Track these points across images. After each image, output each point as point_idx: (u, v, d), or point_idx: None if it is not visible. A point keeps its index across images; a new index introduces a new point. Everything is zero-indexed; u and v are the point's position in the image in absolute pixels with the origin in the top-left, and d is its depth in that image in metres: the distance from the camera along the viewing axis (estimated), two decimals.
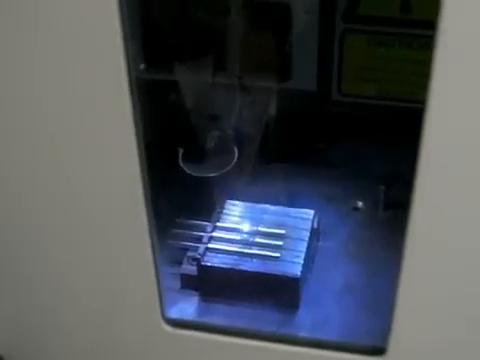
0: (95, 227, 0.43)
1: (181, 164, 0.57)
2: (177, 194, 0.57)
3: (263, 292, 0.52)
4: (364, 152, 0.59)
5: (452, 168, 0.36)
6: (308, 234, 0.55)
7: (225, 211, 0.57)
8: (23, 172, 0.42)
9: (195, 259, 0.54)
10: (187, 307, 0.53)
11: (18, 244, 0.45)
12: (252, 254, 0.53)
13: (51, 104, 0.39)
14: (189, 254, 0.55)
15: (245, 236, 0.55)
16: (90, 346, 0.49)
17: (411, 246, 0.38)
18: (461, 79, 0.33)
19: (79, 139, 0.40)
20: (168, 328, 0.46)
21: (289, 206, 0.57)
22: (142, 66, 0.52)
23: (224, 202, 0.58)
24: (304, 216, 0.56)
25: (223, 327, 0.48)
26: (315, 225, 0.56)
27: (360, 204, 0.59)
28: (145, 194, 0.41)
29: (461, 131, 0.35)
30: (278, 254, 0.53)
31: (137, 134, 0.39)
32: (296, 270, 0.52)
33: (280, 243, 0.54)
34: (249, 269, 0.52)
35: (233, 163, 0.57)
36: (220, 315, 0.52)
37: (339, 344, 0.46)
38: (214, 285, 0.53)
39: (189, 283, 0.54)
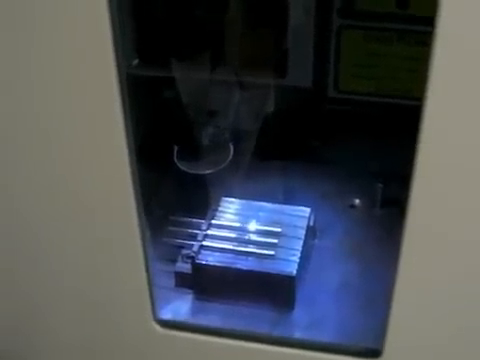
0: (85, 225, 0.43)
1: (176, 161, 0.56)
2: (172, 191, 0.57)
3: (258, 291, 0.52)
4: (361, 149, 0.58)
5: (450, 165, 0.35)
6: (304, 232, 0.54)
7: (220, 208, 0.57)
8: (13, 171, 0.41)
9: (190, 257, 0.53)
10: (181, 305, 0.52)
11: (7, 243, 0.45)
12: (247, 252, 0.53)
13: (40, 100, 0.38)
14: (184, 252, 0.54)
15: (240, 234, 0.54)
16: (82, 345, 0.49)
17: (408, 247, 0.38)
18: (459, 76, 0.33)
19: (68, 136, 0.39)
20: (159, 329, 0.46)
21: (285, 203, 0.57)
22: (135, 62, 0.51)
23: (219, 199, 0.57)
24: (300, 214, 0.56)
25: (216, 328, 0.48)
26: (311, 223, 0.55)
27: (357, 202, 0.59)
28: (135, 192, 0.40)
29: (459, 128, 0.34)
30: (273, 252, 0.53)
31: (127, 131, 0.38)
32: (292, 268, 0.51)
33: (276, 241, 0.54)
34: (244, 267, 0.52)
35: (228, 160, 0.57)
36: (215, 314, 0.51)
37: (335, 346, 0.46)
38: (209, 283, 0.53)
39: (183, 281, 0.53)
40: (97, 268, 0.44)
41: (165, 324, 0.46)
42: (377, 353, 0.43)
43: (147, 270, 0.43)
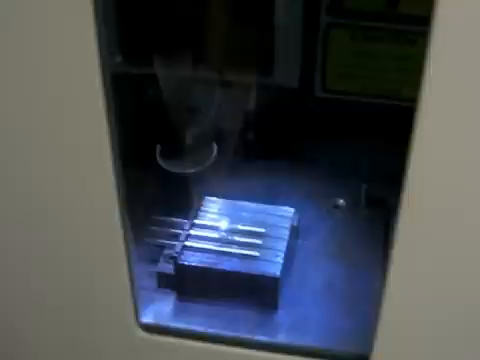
0: (67, 225, 0.42)
1: (158, 160, 0.55)
2: (154, 190, 0.56)
3: (242, 292, 0.51)
4: (346, 150, 0.58)
5: (443, 164, 0.35)
6: (288, 232, 0.54)
7: (203, 208, 0.56)
8: None
9: (172, 257, 0.52)
10: (163, 307, 0.51)
11: None
12: (231, 253, 0.52)
13: (20, 98, 0.37)
14: (166, 252, 0.54)
15: (223, 234, 0.54)
16: (64, 348, 0.48)
17: (398, 249, 0.37)
18: (454, 76, 0.32)
19: (49, 135, 0.38)
20: (143, 333, 0.45)
21: (269, 204, 0.56)
22: (119, 59, 0.51)
23: (202, 199, 0.57)
24: (284, 214, 0.55)
25: (200, 333, 0.47)
26: (295, 223, 0.55)
27: (341, 202, 0.59)
28: (118, 191, 0.39)
29: (453, 128, 0.34)
30: (257, 253, 0.52)
31: (111, 129, 0.37)
32: (275, 270, 0.51)
33: (259, 242, 0.53)
34: (227, 268, 0.51)
35: (212, 159, 0.56)
36: (197, 315, 0.51)
37: (320, 351, 0.45)
38: (191, 284, 0.52)
39: (166, 282, 0.53)
40: (79, 269, 0.44)
41: (148, 328, 0.45)
42: (364, 359, 0.43)
43: (130, 272, 0.42)
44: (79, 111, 0.37)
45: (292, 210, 0.55)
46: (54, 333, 0.48)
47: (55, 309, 0.46)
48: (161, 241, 0.55)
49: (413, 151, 0.35)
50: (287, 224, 0.54)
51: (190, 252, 0.52)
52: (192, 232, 0.54)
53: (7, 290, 0.46)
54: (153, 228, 0.55)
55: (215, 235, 0.54)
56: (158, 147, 0.55)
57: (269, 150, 0.59)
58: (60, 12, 0.34)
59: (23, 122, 0.38)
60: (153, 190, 0.56)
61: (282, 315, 0.51)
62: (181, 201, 0.56)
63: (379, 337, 0.41)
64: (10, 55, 0.36)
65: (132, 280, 0.43)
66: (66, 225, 0.42)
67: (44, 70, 0.36)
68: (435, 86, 0.33)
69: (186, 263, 0.52)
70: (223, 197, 0.57)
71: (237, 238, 0.53)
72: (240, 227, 0.54)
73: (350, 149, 0.58)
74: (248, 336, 0.48)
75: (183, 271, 0.52)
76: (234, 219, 0.55)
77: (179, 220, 0.56)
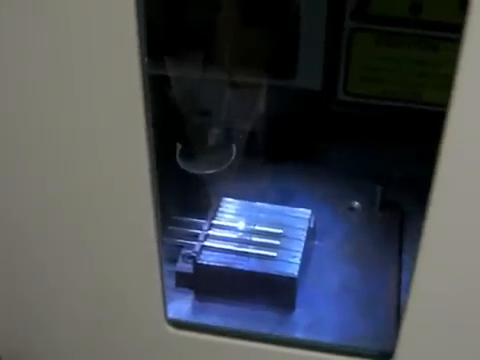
0: (99, 225, 0.42)
1: (178, 161, 0.56)
2: (173, 191, 0.57)
3: (259, 291, 0.52)
4: (364, 152, 0.59)
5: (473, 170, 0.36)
6: (305, 234, 0.54)
7: (221, 209, 0.57)
8: (26, 168, 0.41)
9: (191, 257, 0.53)
10: (182, 306, 0.52)
11: (18, 243, 0.44)
12: (248, 253, 0.53)
13: (62, 97, 0.38)
14: (184, 252, 0.54)
15: (241, 235, 0.54)
16: (92, 346, 0.48)
17: (426, 248, 0.38)
18: None
19: (89, 135, 0.39)
20: (170, 329, 0.45)
21: (286, 205, 0.57)
22: (145, 60, 0.51)
23: (221, 200, 0.57)
24: (301, 215, 0.56)
25: (224, 328, 0.47)
26: (312, 225, 0.55)
27: (356, 204, 0.59)
28: (153, 192, 0.40)
29: None
30: (275, 253, 0.53)
31: (147, 130, 0.38)
32: (293, 270, 0.51)
33: (277, 242, 0.54)
34: (245, 268, 0.52)
35: (231, 161, 0.57)
36: (215, 314, 0.51)
37: (341, 347, 0.46)
38: (210, 284, 0.53)
39: (184, 281, 0.53)
40: (112, 269, 0.44)
41: (176, 324, 0.45)
42: (388, 356, 0.43)
43: (161, 272, 0.43)
44: (118, 111, 0.38)
45: (309, 212, 0.56)
46: (85, 331, 0.48)
47: (87, 307, 0.47)
48: (180, 241, 0.55)
49: (443, 154, 0.35)
50: (304, 225, 0.55)
51: (208, 252, 0.53)
52: (210, 232, 0.54)
53: (37, 290, 0.47)
54: (172, 228, 0.56)
55: (233, 235, 0.54)
56: (178, 148, 0.56)
57: (288, 152, 0.59)
58: (103, 12, 0.35)
59: (63, 122, 0.39)
60: (173, 191, 0.57)
61: (299, 315, 0.52)
62: (200, 202, 0.57)
63: (402, 335, 0.42)
64: (55, 56, 0.36)
65: (162, 277, 0.43)
66: (102, 226, 0.43)
67: (86, 70, 0.37)
68: (467, 90, 0.34)
69: (205, 262, 0.52)
70: (241, 198, 0.57)
71: (255, 238, 0.54)
72: (258, 228, 0.55)
73: (367, 152, 0.58)
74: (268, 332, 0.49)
75: (202, 270, 0.52)
76: (252, 220, 0.55)
77: (198, 220, 0.56)
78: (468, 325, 0.41)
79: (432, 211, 0.37)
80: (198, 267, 0.52)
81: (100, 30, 0.35)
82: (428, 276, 0.39)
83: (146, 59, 0.49)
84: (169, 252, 0.54)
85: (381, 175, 0.57)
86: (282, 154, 0.59)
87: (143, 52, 0.36)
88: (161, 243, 0.43)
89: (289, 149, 0.59)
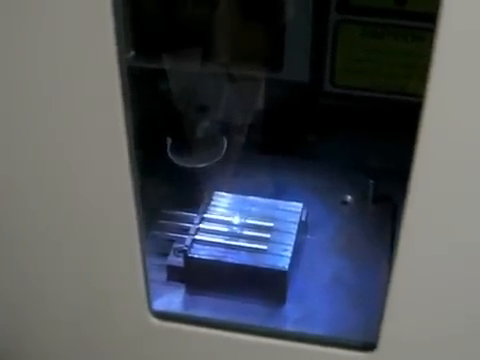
0: (83, 219, 0.42)
1: (169, 154, 0.56)
2: (164, 185, 0.57)
3: (250, 285, 0.52)
4: (354, 145, 0.59)
5: (449, 161, 0.36)
6: (296, 227, 0.54)
7: (213, 203, 0.57)
8: (9, 167, 0.41)
9: (182, 251, 0.53)
10: (173, 299, 0.52)
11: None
12: (239, 246, 0.53)
13: (39, 92, 0.38)
14: (176, 246, 0.54)
15: (233, 228, 0.54)
16: (76, 338, 0.49)
17: (405, 239, 0.38)
18: (460, 72, 0.33)
19: (67, 129, 0.39)
20: (155, 321, 0.45)
21: (277, 199, 0.57)
22: (131, 54, 0.51)
23: (212, 193, 0.57)
24: (292, 209, 0.56)
25: (210, 320, 0.47)
26: (303, 218, 0.55)
27: (349, 198, 0.59)
28: (134, 185, 0.40)
29: (460, 124, 0.34)
30: (266, 247, 0.53)
31: (127, 124, 0.38)
32: (284, 263, 0.51)
33: (268, 236, 0.54)
34: (236, 262, 0.52)
35: (222, 154, 0.57)
36: (206, 308, 0.51)
37: (328, 339, 0.46)
38: (201, 277, 0.53)
39: (175, 275, 0.53)
40: (94, 262, 0.44)
41: (161, 316, 0.46)
42: (372, 346, 0.43)
43: (144, 264, 0.43)
44: (98, 106, 0.38)
45: (300, 205, 0.56)
46: (69, 323, 0.48)
47: (71, 299, 0.47)
48: (171, 235, 0.55)
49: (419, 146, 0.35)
50: (295, 219, 0.55)
51: (200, 245, 0.53)
52: (202, 226, 0.54)
53: (22, 285, 0.47)
54: (163, 222, 0.56)
55: (224, 229, 0.54)
56: (169, 141, 0.56)
57: (278, 145, 0.59)
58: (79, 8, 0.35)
59: (41, 118, 0.39)
60: (164, 184, 0.57)
61: (290, 308, 0.52)
62: (191, 195, 0.57)
63: (385, 326, 0.42)
64: (36, 55, 0.36)
65: (145, 269, 0.43)
66: (84, 220, 0.43)
67: (63, 67, 0.37)
68: (442, 81, 0.33)
69: (196, 256, 0.52)
70: (232, 192, 0.57)
71: (246, 232, 0.54)
72: (249, 221, 0.55)
73: (358, 144, 0.58)
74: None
75: (193, 264, 0.52)
76: (243, 213, 0.55)
77: (189, 214, 0.56)
78: (449, 315, 0.41)
79: (410, 201, 0.36)
80: (189, 261, 0.52)
81: (75, 28, 0.35)
82: (408, 267, 0.39)
83: (133, 53, 0.50)
84: (161, 246, 0.54)
85: (371, 167, 0.57)
86: (273, 147, 0.59)
87: (122, 51, 0.36)
88: (144, 235, 0.43)
89: (279, 142, 0.59)
